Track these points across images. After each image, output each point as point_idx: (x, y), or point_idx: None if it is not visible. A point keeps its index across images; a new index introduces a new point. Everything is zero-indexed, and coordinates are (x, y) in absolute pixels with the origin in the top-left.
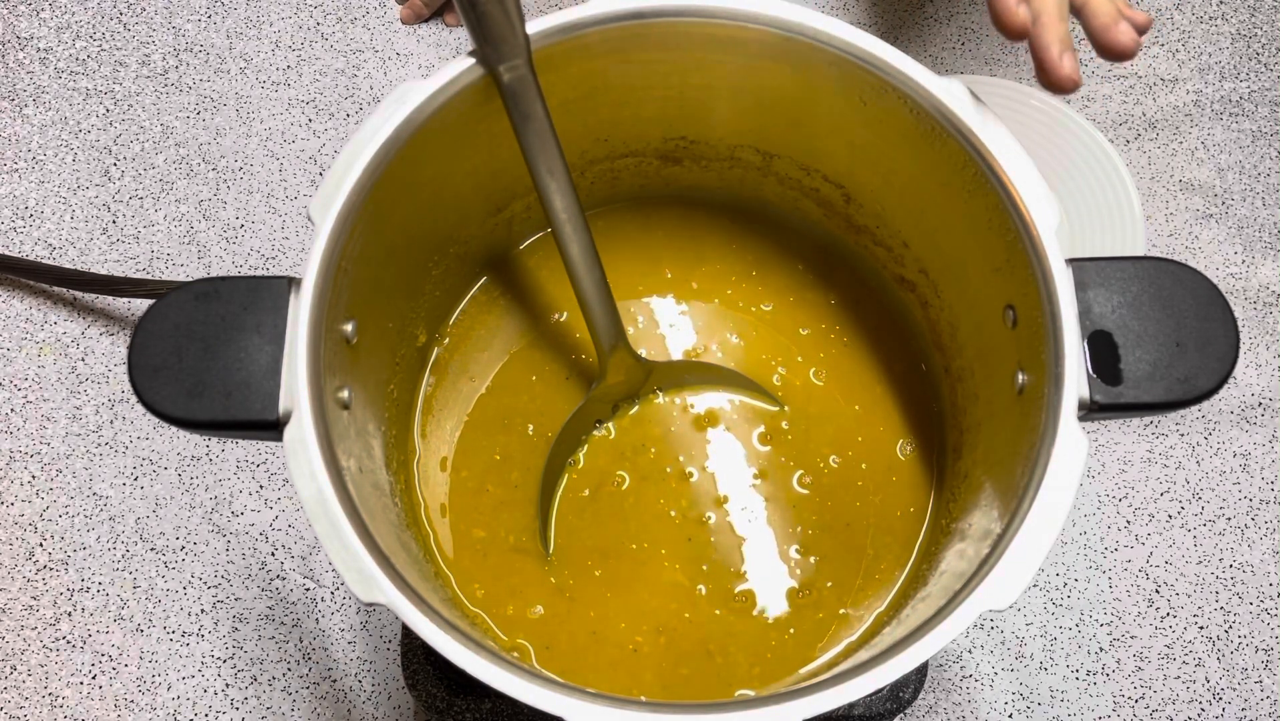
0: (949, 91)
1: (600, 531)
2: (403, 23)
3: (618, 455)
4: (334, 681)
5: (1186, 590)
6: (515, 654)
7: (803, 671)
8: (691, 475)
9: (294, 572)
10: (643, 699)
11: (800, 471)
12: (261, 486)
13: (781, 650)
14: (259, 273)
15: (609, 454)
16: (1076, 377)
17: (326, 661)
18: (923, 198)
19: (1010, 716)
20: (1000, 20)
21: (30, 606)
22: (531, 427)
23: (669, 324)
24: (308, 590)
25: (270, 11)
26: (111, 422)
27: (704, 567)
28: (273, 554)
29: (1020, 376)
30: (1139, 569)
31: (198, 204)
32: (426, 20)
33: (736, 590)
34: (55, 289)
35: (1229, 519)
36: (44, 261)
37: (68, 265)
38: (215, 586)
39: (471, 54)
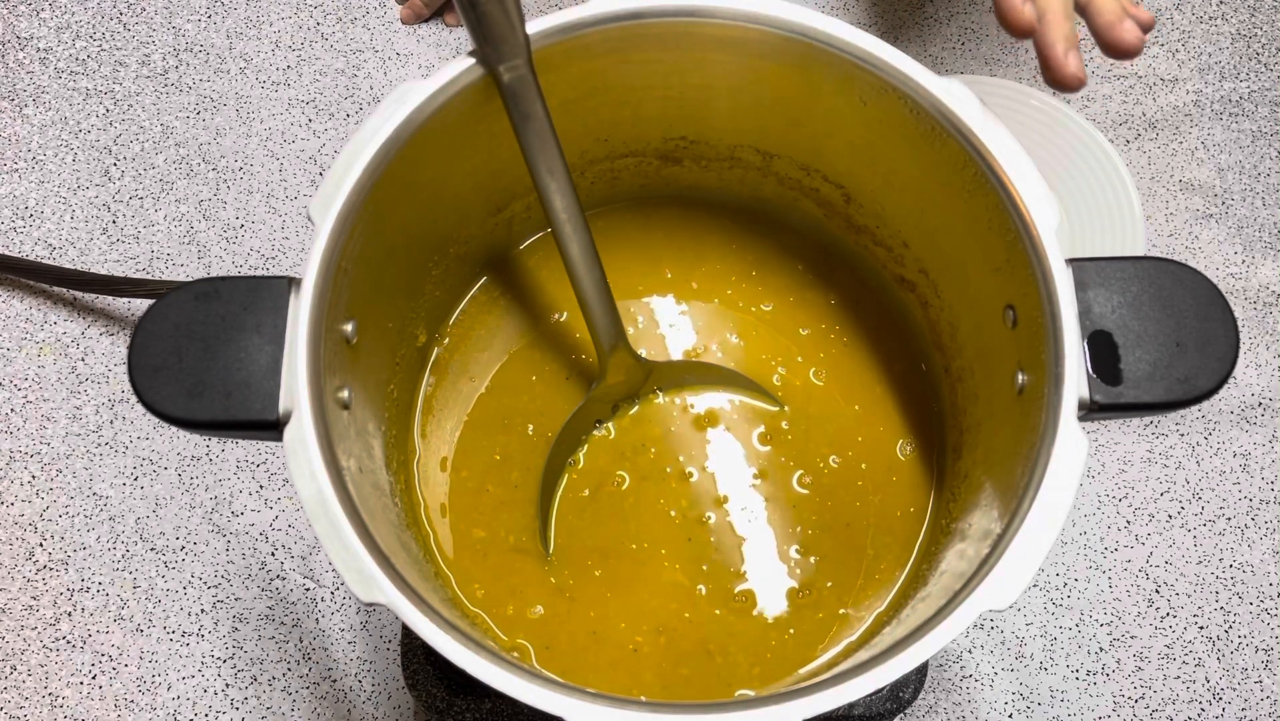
0: (949, 91)
1: (600, 531)
2: (403, 23)
3: (618, 455)
4: (334, 681)
5: (1186, 590)
6: (515, 654)
7: (803, 671)
8: (691, 475)
9: (294, 572)
10: (643, 699)
11: (800, 471)
12: (261, 486)
13: (781, 650)
14: (259, 273)
15: (609, 454)
16: (1076, 377)
17: (326, 661)
18: (923, 198)
19: (1010, 716)
20: (1006, 18)
21: (30, 606)
22: (531, 427)
23: (669, 324)
24: (308, 590)
25: (270, 11)
26: (111, 422)
27: (704, 567)
28: (273, 554)
29: (1020, 376)
30: (1139, 569)
31: (198, 204)
32: (426, 20)
33: (736, 590)
34: (55, 289)
35: (1229, 519)
36: (44, 261)
37: (68, 265)
38: (215, 586)
39: (471, 54)
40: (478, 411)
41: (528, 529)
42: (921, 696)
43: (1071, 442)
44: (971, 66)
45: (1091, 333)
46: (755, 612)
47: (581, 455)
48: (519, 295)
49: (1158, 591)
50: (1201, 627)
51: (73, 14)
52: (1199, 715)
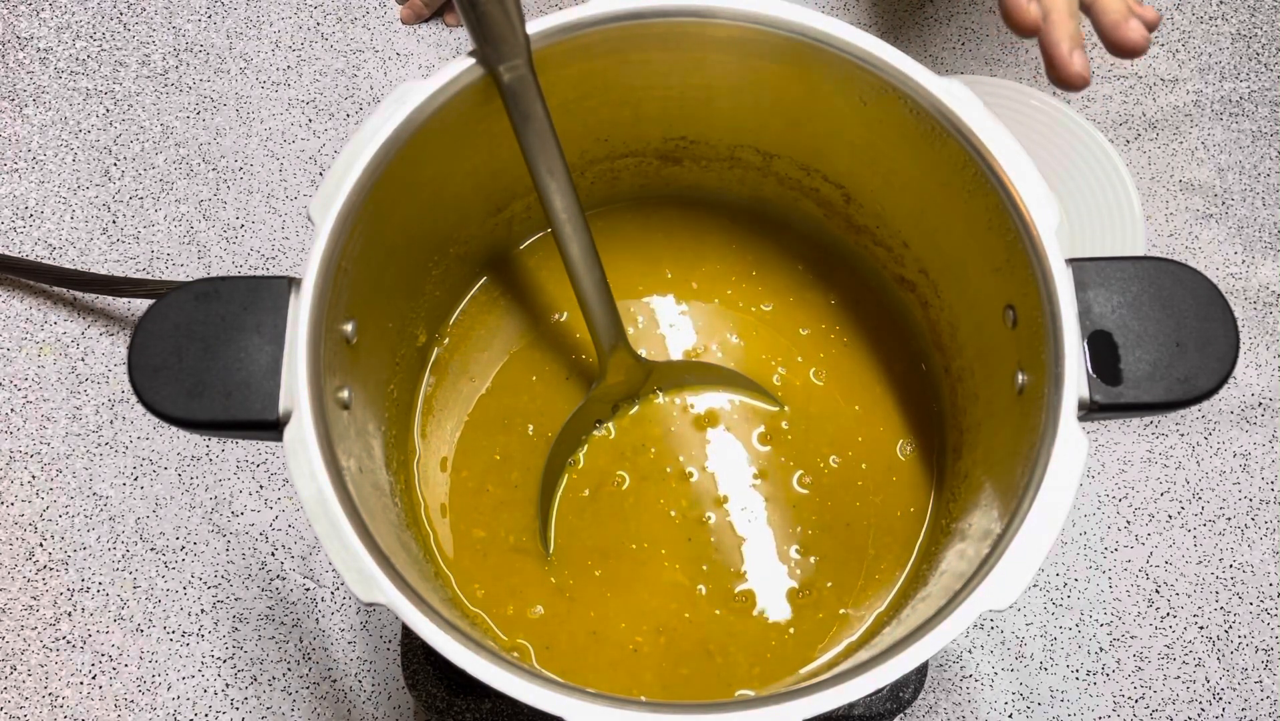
0: (949, 91)
1: (600, 531)
2: (403, 23)
3: (618, 455)
4: (334, 681)
5: (1186, 590)
6: (515, 654)
7: (803, 671)
8: (691, 475)
9: (294, 572)
10: (643, 699)
11: (800, 471)
12: (261, 486)
13: (781, 650)
14: (259, 273)
15: (609, 454)
16: (1076, 377)
17: (326, 661)
18: (923, 198)
19: (1010, 716)
20: (1011, 17)
21: (30, 606)
22: (531, 427)
23: (669, 324)
24: (308, 590)
25: (270, 11)
26: (111, 422)
27: (704, 567)
28: (273, 554)
29: (1020, 376)
30: (1139, 569)
31: (198, 204)
32: (426, 20)
33: (736, 590)
34: (55, 289)
35: (1229, 519)
36: (44, 261)
37: (68, 265)
38: (215, 586)
39: (471, 54)
40: (478, 411)
41: (528, 529)
42: (921, 696)
43: (1071, 442)
44: (971, 66)
45: (1091, 333)
46: (755, 612)
47: (581, 455)
48: (519, 295)
49: (1158, 591)
50: (1201, 627)
51: (73, 14)
52: (1199, 715)
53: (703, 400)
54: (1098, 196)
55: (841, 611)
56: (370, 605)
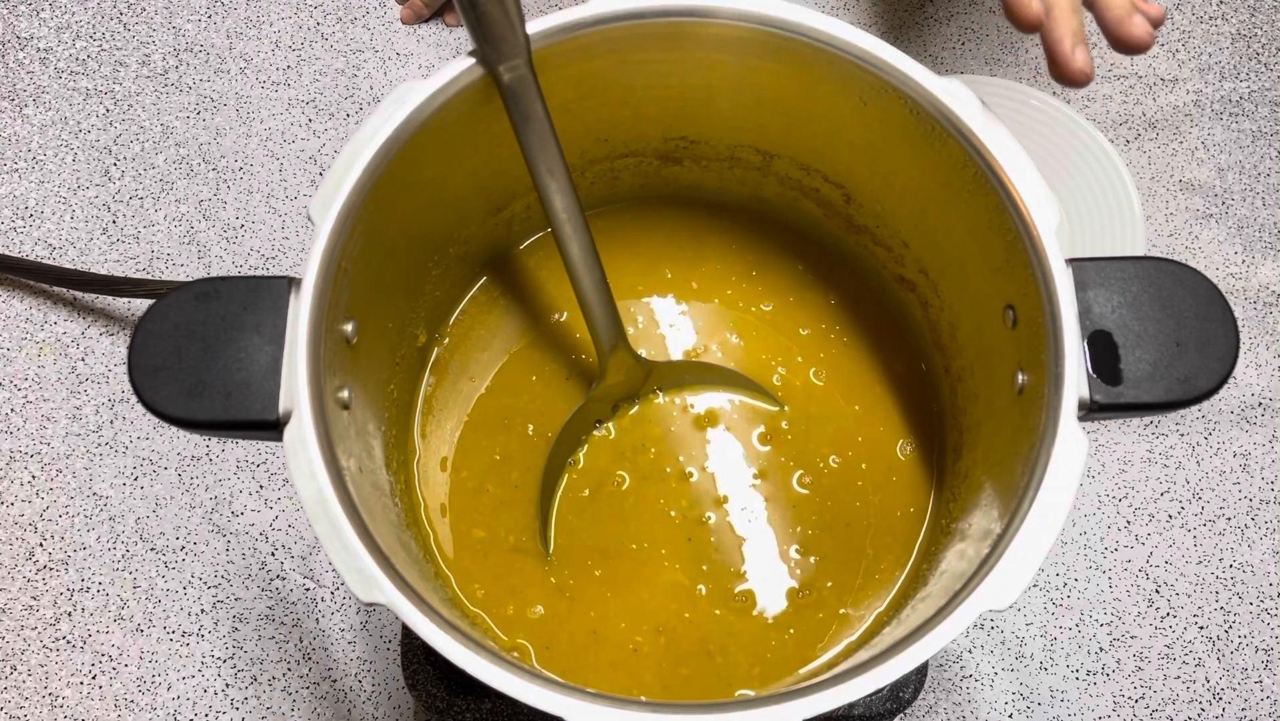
0: (949, 91)
1: (600, 531)
2: (403, 23)
3: (618, 455)
4: (334, 681)
5: (1186, 590)
6: (515, 654)
7: (803, 671)
8: (691, 475)
9: (294, 572)
10: (643, 699)
11: (800, 471)
12: (261, 486)
13: (781, 650)
14: (259, 273)
15: (609, 454)
16: (1076, 378)
17: (326, 661)
18: (923, 197)
19: (1010, 716)
20: (1013, 13)
21: (30, 606)
22: (531, 427)
23: (669, 324)
24: (308, 590)
25: (270, 11)
26: (111, 422)
27: (704, 567)
28: (273, 554)
29: (1020, 376)
30: (1139, 569)
31: (198, 204)
32: (426, 20)
33: (736, 590)
34: (55, 289)
35: (1229, 519)
36: (44, 261)
37: (68, 265)
38: (215, 586)
39: (471, 54)
40: (478, 411)
41: (528, 529)
42: (921, 696)
43: (1071, 442)
44: (971, 66)
45: (1091, 333)
46: (755, 612)
47: (581, 455)
48: (519, 295)
49: (1158, 591)
50: (1201, 627)
51: (73, 14)
52: (1199, 715)
53: (703, 400)
54: (1098, 196)
55: (841, 611)
56: (370, 605)
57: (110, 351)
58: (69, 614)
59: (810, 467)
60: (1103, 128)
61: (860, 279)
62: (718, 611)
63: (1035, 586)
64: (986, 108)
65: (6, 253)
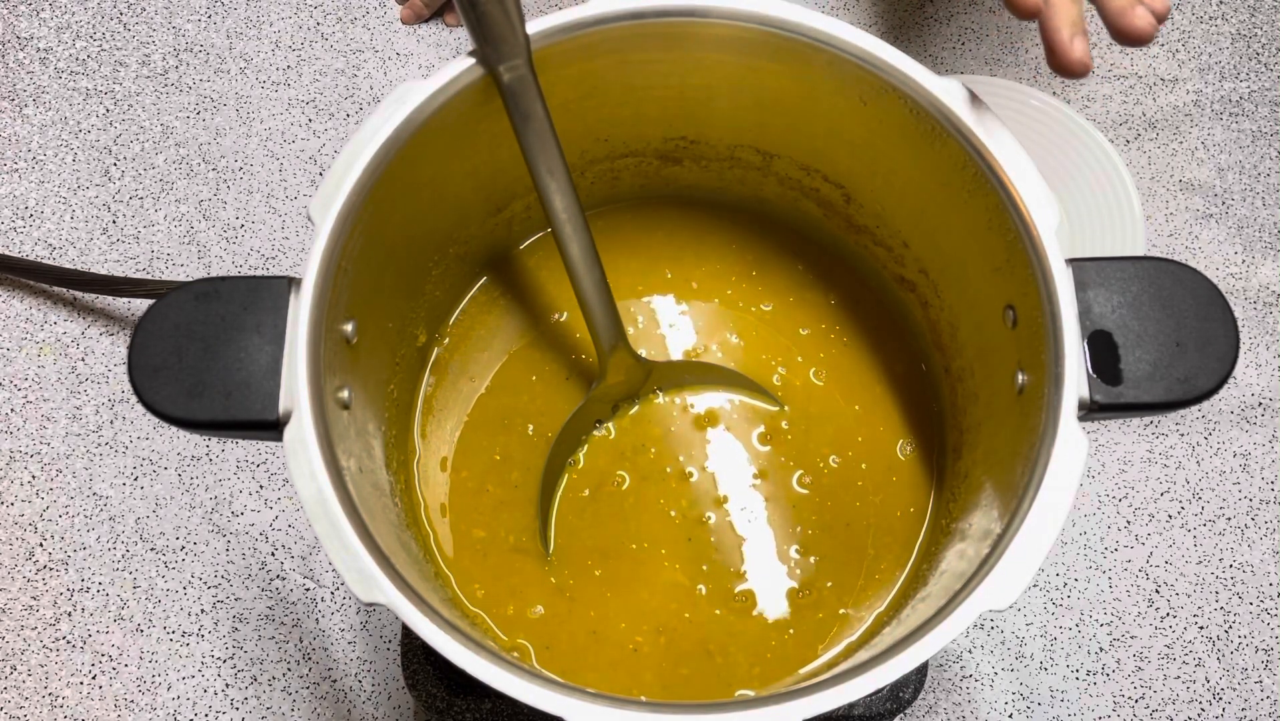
0: (949, 91)
1: (600, 531)
2: (403, 23)
3: (618, 455)
4: (334, 681)
5: (1186, 590)
6: (515, 654)
7: (803, 671)
8: (691, 475)
9: (294, 572)
10: (643, 699)
11: (800, 471)
12: (261, 486)
13: (781, 650)
14: (259, 273)
15: (609, 454)
16: (1076, 378)
17: (326, 661)
18: (923, 197)
19: (1010, 716)
20: (1011, 1)
21: (30, 606)
22: (531, 427)
23: (669, 324)
24: (308, 590)
25: (270, 11)
26: (111, 422)
27: (704, 567)
28: (273, 554)
29: (1020, 376)
30: (1139, 569)
31: (198, 204)
32: (426, 20)
33: (736, 590)
34: (55, 289)
35: (1229, 519)
36: (44, 261)
37: (68, 265)
38: (215, 586)
39: (471, 54)
40: (478, 411)
41: (528, 529)
42: (921, 696)
43: (1071, 442)
44: (971, 66)
45: (1091, 333)
46: (755, 612)
47: (581, 455)
48: (519, 295)
49: (1158, 591)
50: (1201, 627)
51: (73, 14)
52: (1199, 715)
53: (703, 400)
54: (1098, 196)
55: (841, 611)
56: (370, 605)
57: (110, 351)
58: (69, 614)
59: (810, 467)
60: (1103, 128)
61: (860, 279)
62: (718, 611)
63: (1035, 586)
64: (987, 108)
65: (6, 253)
